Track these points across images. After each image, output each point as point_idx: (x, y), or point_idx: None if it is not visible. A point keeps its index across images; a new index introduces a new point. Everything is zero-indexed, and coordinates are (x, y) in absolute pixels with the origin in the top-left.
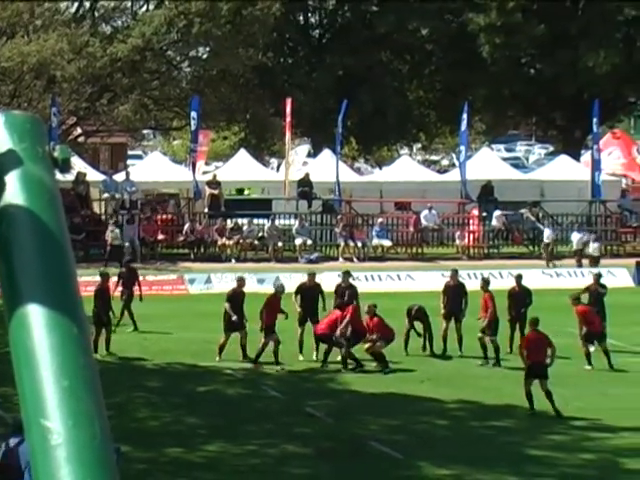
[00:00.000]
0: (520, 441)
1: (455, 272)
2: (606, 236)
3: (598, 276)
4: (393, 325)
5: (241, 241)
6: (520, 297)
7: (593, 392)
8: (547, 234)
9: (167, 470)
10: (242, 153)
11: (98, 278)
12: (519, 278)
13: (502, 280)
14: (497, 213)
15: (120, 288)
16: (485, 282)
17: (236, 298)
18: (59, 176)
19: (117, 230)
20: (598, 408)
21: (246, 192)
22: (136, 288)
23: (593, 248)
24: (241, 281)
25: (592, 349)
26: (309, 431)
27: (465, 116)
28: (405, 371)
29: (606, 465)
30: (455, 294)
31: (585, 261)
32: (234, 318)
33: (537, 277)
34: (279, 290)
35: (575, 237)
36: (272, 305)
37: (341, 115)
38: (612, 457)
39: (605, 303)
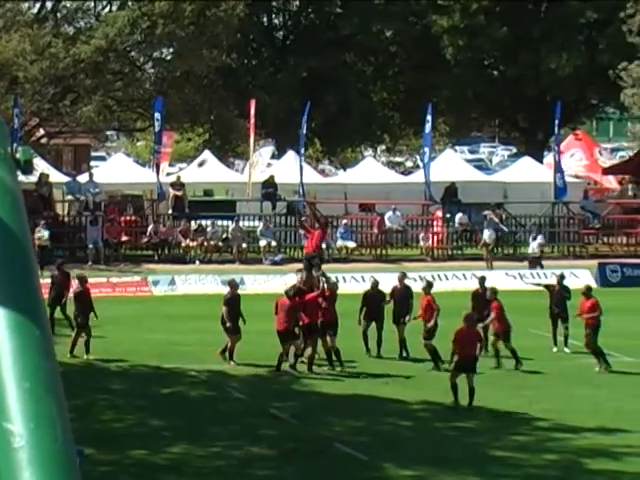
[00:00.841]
0: (484, 442)
1: (403, 275)
2: (569, 237)
3: (561, 277)
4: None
5: (205, 243)
6: (483, 299)
7: (557, 393)
8: (487, 235)
9: (131, 472)
10: (206, 154)
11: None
12: (482, 280)
13: (466, 282)
14: (459, 215)
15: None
16: (428, 285)
17: (233, 301)
18: (22, 177)
19: (45, 232)
20: (562, 409)
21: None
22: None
23: (532, 248)
24: (232, 282)
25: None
26: (274, 433)
27: (429, 118)
28: (370, 373)
29: (569, 465)
30: (402, 297)
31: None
32: (228, 325)
33: (500, 278)
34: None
35: (532, 242)
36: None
37: (305, 116)
38: (575, 457)
39: (567, 305)
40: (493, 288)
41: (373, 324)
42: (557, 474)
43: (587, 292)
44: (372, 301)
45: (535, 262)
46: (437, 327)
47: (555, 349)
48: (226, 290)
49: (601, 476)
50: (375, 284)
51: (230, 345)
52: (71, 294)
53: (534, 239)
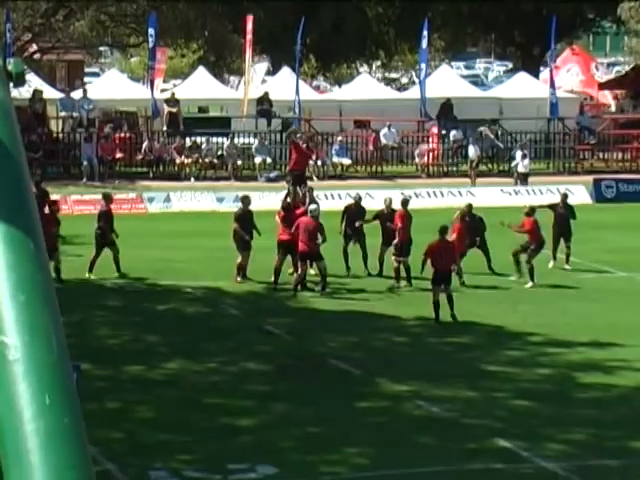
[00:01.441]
0: (477, 357)
1: (359, 198)
2: (564, 154)
3: (565, 197)
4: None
5: (200, 160)
6: (472, 224)
7: (551, 308)
8: (472, 152)
9: (127, 388)
10: (201, 71)
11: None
12: (469, 207)
13: (461, 198)
14: (454, 132)
15: None
16: (404, 201)
17: (244, 217)
18: (16, 94)
19: None
20: (556, 324)
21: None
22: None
23: (523, 165)
24: (245, 199)
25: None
26: (269, 349)
27: (425, 33)
28: (365, 290)
29: (562, 379)
30: (357, 216)
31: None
32: (247, 238)
33: (495, 195)
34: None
35: (518, 155)
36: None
37: (300, 32)
38: (568, 372)
39: (571, 224)
40: (531, 206)
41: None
42: (550, 388)
43: (530, 212)
44: (352, 216)
45: (522, 179)
46: (411, 243)
47: (551, 264)
48: (221, 207)
49: (593, 389)
50: (358, 199)
51: (241, 261)
52: (95, 211)
53: (523, 157)
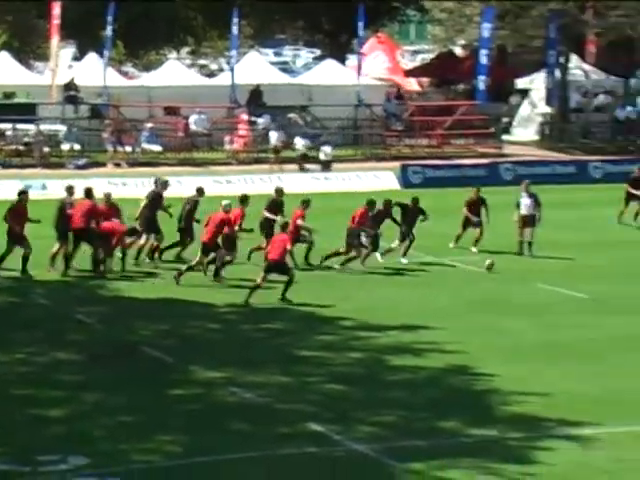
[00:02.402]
0: (291, 342)
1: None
2: (371, 140)
3: (416, 200)
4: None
5: (5, 147)
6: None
7: (361, 293)
8: (275, 137)
9: None
10: (5, 56)
11: None
12: (372, 202)
13: (271, 184)
14: (263, 119)
15: None
16: (243, 198)
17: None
18: None
19: None
20: (367, 308)
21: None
22: None
23: (325, 153)
24: (199, 191)
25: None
26: (80, 338)
27: (235, 20)
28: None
29: (373, 363)
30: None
31: (316, 166)
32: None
33: (304, 181)
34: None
35: (299, 141)
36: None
37: (110, 17)
38: (379, 355)
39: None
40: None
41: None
42: (361, 371)
43: (244, 200)
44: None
45: (326, 165)
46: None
47: (405, 260)
48: (37, 194)
49: (403, 372)
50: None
51: (150, 245)
52: None
53: (324, 145)
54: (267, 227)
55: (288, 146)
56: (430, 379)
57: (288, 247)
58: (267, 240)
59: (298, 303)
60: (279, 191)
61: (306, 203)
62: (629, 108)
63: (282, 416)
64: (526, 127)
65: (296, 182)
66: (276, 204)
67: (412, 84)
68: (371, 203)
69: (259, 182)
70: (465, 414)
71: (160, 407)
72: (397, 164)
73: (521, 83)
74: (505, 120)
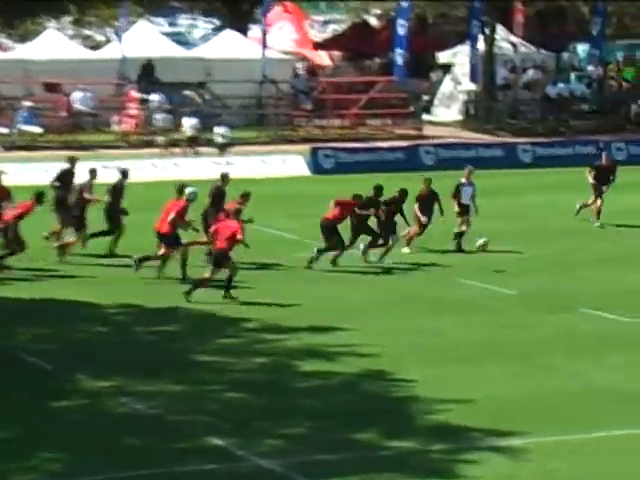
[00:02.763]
0: (187, 346)
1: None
2: (277, 120)
3: (379, 189)
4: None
5: None
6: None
7: (269, 292)
8: (189, 124)
9: None
10: None
11: None
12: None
13: (167, 171)
14: (157, 96)
15: None
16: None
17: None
18: None
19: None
20: (273, 309)
21: None
22: None
23: (222, 135)
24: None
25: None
26: None
27: None
28: (64, 276)
29: (279, 368)
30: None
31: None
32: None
33: (206, 167)
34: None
35: (187, 122)
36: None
37: None
38: (286, 360)
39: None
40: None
41: None
42: (266, 378)
43: (180, 190)
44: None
45: (222, 148)
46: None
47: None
48: None
49: (313, 377)
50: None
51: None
52: None
53: (219, 125)
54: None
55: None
56: (343, 386)
57: (239, 237)
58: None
59: (198, 302)
60: (224, 177)
61: (245, 197)
62: (561, 85)
63: (177, 429)
64: (449, 106)
65: (193, 167)
66: (220, 193)
67: (322, 58)
68: (358, 197)
69: (150, 168)
70: (382, 424)
71: (40, 420)
72: (306, 147)
73: (443, 57)
74: (426, 98)
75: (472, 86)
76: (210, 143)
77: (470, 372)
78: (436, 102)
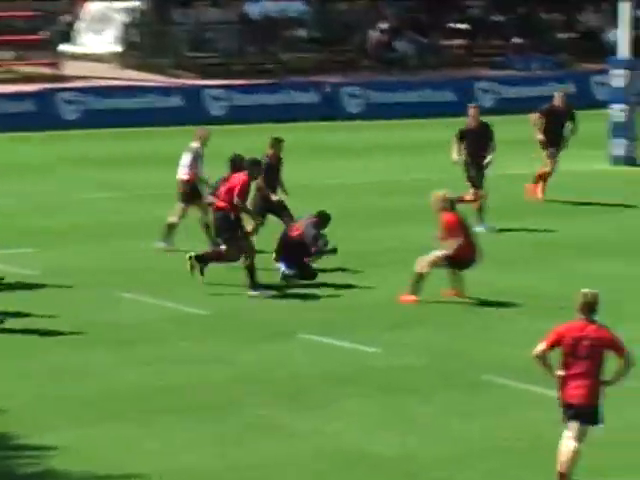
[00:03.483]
0: None
1: None
2: None
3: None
4: None
5: None
6: None
7: None
8: None
9: None
10: None
11: None
12: None
13: None
14: None
15: None
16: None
17: None
18: None
19: None
20: None
21: None
22: None
23: None
24: None
25: None
26: None
27: None
28: None
29: None
30: None
31: None
32: None
33: None
34: None
35: None
36: None
37: None
38: None
39: None
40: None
41: None
42: None
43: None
44: None
45: None
46: None
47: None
48: None
49: None
50: None
51: None
52: None
53: None
54: None
55: None
56: None
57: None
58: None
59: None
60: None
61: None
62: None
63: None
64: (100, 32)
65: None
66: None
67: None
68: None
69: None
70: None
71: None
72: None
73: None
74: (65, 20)
75: (135, 2)
76: None
77: (136, 433)
78: (81, 26)
